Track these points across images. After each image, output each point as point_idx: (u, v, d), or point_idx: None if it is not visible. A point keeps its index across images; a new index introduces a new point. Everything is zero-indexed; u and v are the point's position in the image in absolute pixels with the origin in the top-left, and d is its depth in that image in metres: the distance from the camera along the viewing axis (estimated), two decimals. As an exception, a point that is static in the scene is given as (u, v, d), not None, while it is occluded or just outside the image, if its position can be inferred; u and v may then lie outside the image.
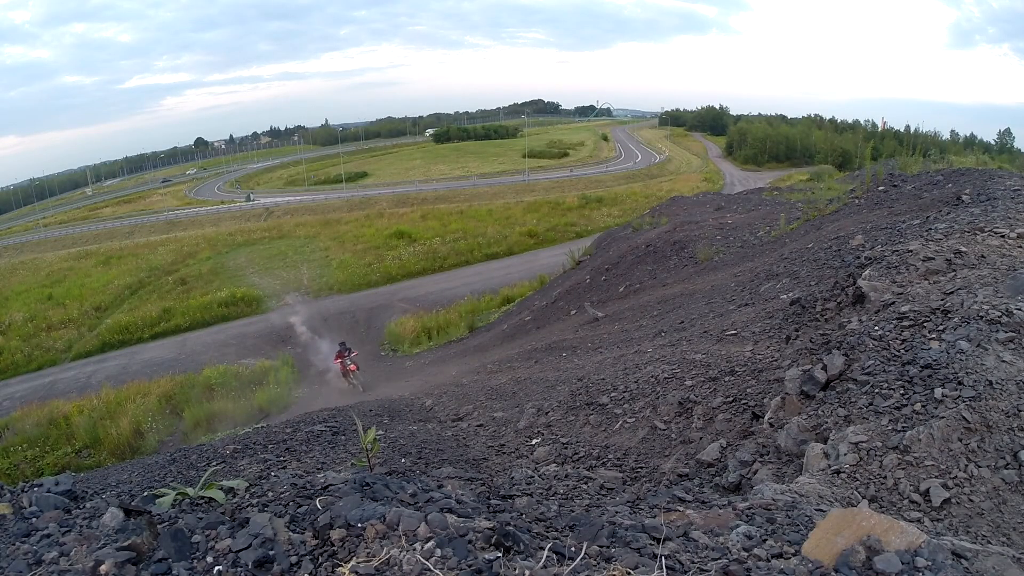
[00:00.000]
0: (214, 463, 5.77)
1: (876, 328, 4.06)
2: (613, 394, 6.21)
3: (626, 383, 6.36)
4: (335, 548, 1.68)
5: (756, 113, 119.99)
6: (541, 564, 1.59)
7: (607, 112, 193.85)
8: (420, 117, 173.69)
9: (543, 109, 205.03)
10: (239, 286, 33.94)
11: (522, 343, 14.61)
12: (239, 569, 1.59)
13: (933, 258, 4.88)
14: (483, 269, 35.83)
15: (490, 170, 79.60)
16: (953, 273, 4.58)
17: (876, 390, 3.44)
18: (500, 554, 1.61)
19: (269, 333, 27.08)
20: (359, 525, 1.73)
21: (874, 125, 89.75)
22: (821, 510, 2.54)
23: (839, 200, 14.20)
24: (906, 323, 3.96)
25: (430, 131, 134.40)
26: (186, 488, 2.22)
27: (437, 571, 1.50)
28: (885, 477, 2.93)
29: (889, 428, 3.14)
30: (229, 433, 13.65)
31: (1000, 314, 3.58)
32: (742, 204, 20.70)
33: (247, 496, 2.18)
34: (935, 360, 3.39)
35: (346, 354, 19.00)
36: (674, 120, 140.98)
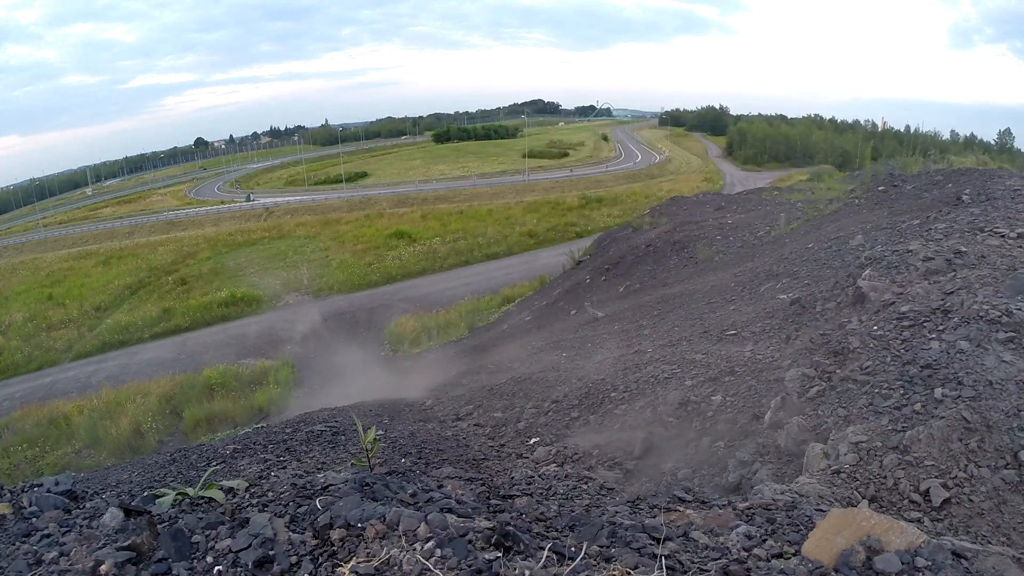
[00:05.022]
0: (214, 463, 5.77)
1: (876, 328, 4.06)
2: (613, 394, 6.21)
3: (626, 383, 6.36)
4: (335, 548, 1.68)
5: (756, 113, 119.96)
6: (541, 564, 1.59)
7: (607, 112, 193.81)
8: (420, 117, 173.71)
9: (543, 109, 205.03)
10: (239, 286, 33.94)
11: (522, 343, 14.60)
12: (239, 569, 1.59)
13: (933, 258, 4.88)
14: (483, 269, 35.83)
15: (490, 170, 79.60)
16: (953, 273, 4.58)
17: (876, 390, 3.44)
18: (500, 554, 1.61)
19: (269, 333, 27.08)
20: (359, 525, 1.73)
21: (874, 125, 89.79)
22: (821, 510, 2.53)
23: (839, 200, 14.20)
24: (906, 323, 3.96)
25: (300, 153, 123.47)
26: (186, 488, 2.22)
27: (437, 571, 1.50)
28: (885, 477, 2.93)
29: (889, 428, 3.14)
30: (229, 433, 13.65)
31: (1000, 314, 3.58)
32: (742, 204, 20.70)
33: (247, 496, 2.18)
34: (935, 360, 3.39)
35: None
36: (674, 120, 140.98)
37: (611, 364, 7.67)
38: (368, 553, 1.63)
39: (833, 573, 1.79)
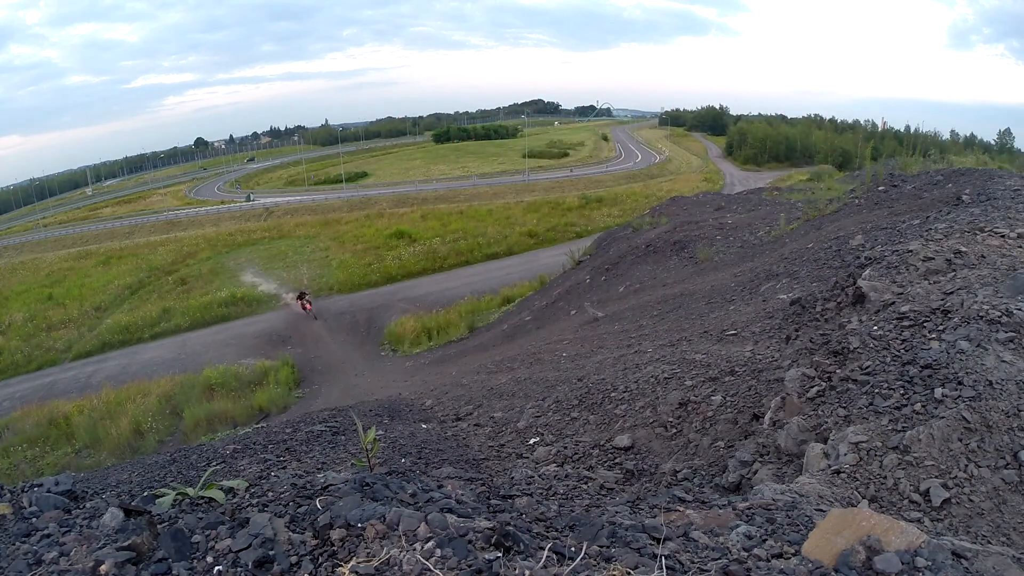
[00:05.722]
0: (214, 463, 5.77)
1: (876, 328, 4.06)
2: (613, 394, 6.22)
3: (626, 383, 6.36)
4: (335, 548, 1.68)
5: (756, 113, 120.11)
6: (541, 564, 1.59)
7: (607, 112, 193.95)
8: (420, 117, 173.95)
9: (543, 109, 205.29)
10: (239, 286, 33.96)
11: (522, 343, 14.60)
12: (239, 569, 1.59)
13: (933, 258, 4.88)
14: (483, 269, 35.83)
15: (490, 170, 79.61)
16: (953, 273, 4.58)
17: (876, 390, 3.44)
18: (500, 554, 1.61)
19: (269, 333, 27.06)
20: (359, 525, 1.73)
21: (874, 125, 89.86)
22: (821, 510, 2.53)
23: (839, 200, 14.21)
24: (906, 323, 3.96)
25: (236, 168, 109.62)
26: (186, 488, 2.22)
27: (437, 571, 1.50)
28: (885, 477, 2.93)
29: (889, 428, 3.14)
30: (229, 433, 13.65)
31: (1000, 314, 3.58)
32: (742, 204, 20.72)
33: (247, 496, 2.18)
34: (935, 360, 3.39)
35: (303, 297, 28.51)
36: (674, 120, 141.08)
37: (611, 364, 7.67)
38: (368, 553, 1.63)
39: (833, 573, 1.79)
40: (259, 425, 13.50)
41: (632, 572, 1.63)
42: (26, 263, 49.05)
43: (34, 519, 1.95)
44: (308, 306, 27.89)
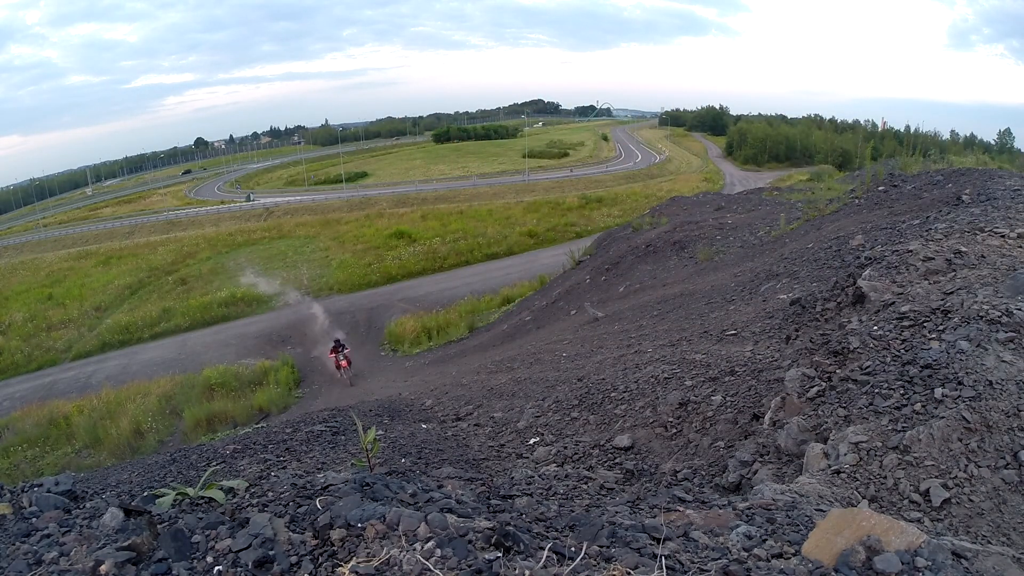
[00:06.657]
0: (214, 463, 5.78)
1: (876, 328, 4.06)
2: (613, 394, 6.21)
3: (626, 383, 6.36)
4: (335, 548, 1.68)
5: (756, 113, 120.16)
6: (541, 564, 1.59)
7: (607, 112, 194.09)
8: (420, 117, 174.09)
9: (543, 109, 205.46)
10: (239, 286, 33.98)
11: (522, 343, 14.60)
12: (239, 569, 1.59)
13: (933, 258, 4.88)
14: (483, 269, 35.85)
15: (490, 170, 79.59)
16: (953, 273, 4.58)
17: (876, 390, 3.44)
18: (500, 554, 1.61)
19: (269, 333, 27.07)
20: (359, 525, 1.73)
21: (874, 125, 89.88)
22: (821, 510, 2.53)
23: (839, 200, 14.21)
24: (906, 323, 3.96)
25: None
26: (186, 488, 2.22)
27: (437, 571, 1.50)
28: (885, 477, 2.93)
29: (889, 428, 3.13)
30: (229, 433, 13.66)
31: (1000, 314, 3.58)
32: (742, 204, 20.72)
33: (247, 496, 2.18)
34: (935, 360, 3.38)
35: (340, 350, 20.80)
36: (674, 120, 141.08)
37: (611, 364, 7.66)
38: (368, 553, 1.63)
39: (833, 573, 1.79)
40: (259, 425, 13.50)
41: (632, 572, 1.63)
42: (26, 263, 49.03)
43: (34, 519, 1.95)
44: (344, 363, 20.60)
